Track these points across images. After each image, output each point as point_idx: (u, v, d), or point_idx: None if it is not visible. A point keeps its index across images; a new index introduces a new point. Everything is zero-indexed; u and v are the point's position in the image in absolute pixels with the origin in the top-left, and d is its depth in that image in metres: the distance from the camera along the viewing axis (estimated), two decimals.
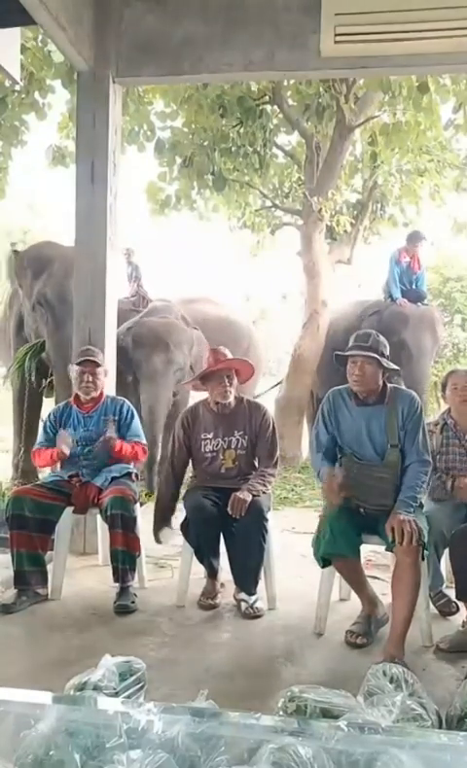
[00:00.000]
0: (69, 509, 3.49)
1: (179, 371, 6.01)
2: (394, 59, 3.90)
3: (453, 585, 2.99)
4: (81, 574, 3.80)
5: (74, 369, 3.70)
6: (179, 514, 3.47)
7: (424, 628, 2.95)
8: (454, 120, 7.31)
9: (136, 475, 3.71)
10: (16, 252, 6.21)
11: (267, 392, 8.18)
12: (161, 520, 3.54)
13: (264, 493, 3.33)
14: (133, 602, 3.29)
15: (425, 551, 2.81)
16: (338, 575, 3.09)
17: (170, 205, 7.86)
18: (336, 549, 2.89)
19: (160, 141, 7.13)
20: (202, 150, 7.23)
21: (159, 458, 5.49)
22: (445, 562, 3.23)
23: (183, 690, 2.36)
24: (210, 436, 3.47)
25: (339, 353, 3.06)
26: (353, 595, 3.21)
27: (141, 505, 3.55)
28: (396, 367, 3.03)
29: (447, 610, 3.26)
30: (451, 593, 3.12)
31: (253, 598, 3.28)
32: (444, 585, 3.32)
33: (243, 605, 3.27)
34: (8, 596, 3.29)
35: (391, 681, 1.88)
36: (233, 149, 7.32)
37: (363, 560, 3.09)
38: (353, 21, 3.73)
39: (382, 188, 8.38)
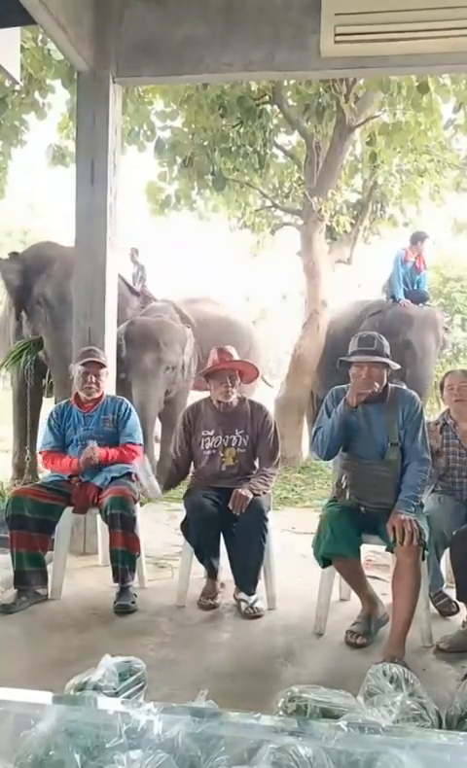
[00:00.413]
0: (69, 509, 3.49)
1: (171, 370, 6.01)
2: (394, 59, 3.90)
3: (453, 585, 2.99)
4: (81, 574, 3.80)
5: (77, 369, 3.69)
6: (179, 515, 3.47)
7: (424, 628, 2.95)
8: (454, 119, 7.33)
9: (136, 475, 3.70)
10: (14, 254, 6.19)
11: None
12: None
13: (264, 493, 3.33)
14: (133, 602, 3.29)
15: (426, 551, 2.82)
16: (338, 575, 3.09)
17: (170, 205, 7.86)
18: (336, 549, 2.89)
19: (160, 141, 7.13)
20: (202, 150, 7.23)
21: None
22: (445, 562, 3.23)
23: (183, 690, 2.35)
24: (211, 433, 3.47)
25: (343, 359, 3.06)
26: (353, 595, 3.21)
27: (141, 504, 3.55)
28: (400, 367, 3.04)
29: (447, 611, 3.26)
30: (452, 593, 3.12)
31: (253, 598, 3.28)
32: (444, 585, 3.33)
33: (243, 605, 3.27)
34: (8, 596, 3.29)
35: (391, 681, 1.87)
36: (233, 149, 7.33)
37: (363, 560, 3.09)
38: (353, 21, 3.74)
39: (382, 188, 8.39)
